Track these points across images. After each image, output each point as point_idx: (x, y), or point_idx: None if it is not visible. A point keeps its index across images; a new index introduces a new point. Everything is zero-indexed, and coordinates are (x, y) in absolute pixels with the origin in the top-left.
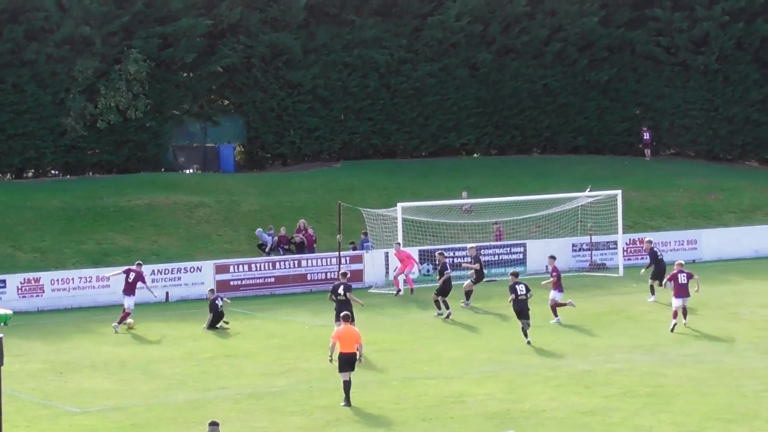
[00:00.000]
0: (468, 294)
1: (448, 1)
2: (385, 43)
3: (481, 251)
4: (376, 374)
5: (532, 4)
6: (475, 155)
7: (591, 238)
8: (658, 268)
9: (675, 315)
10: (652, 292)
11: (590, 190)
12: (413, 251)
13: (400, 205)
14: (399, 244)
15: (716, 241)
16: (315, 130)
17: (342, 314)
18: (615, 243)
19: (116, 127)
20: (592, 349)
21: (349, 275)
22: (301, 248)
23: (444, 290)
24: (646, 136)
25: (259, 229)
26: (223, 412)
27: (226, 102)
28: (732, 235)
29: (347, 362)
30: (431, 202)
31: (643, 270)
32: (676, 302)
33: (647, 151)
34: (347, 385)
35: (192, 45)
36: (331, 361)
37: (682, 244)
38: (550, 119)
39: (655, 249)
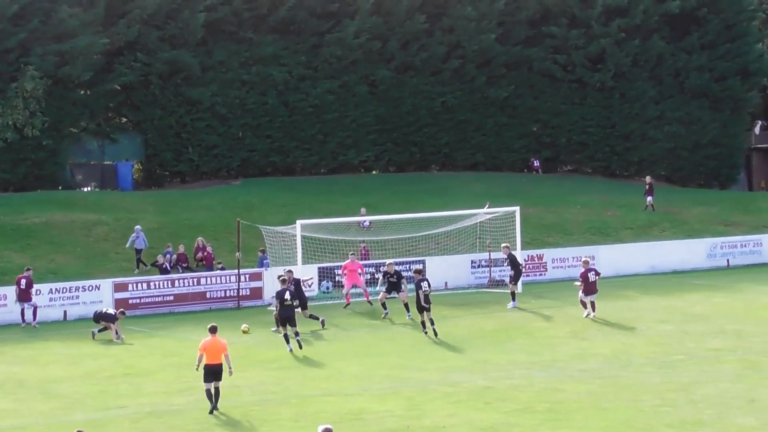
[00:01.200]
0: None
1: (347, 18)
2: (283, 60)
3: (380, 268)
4: (275, 392)
5: (431, 22)
6: (374, 172)
7: (490, 255)
8: (517, 273)
9: (584, 306)
10: (513, 298)
11: (489, 207)
12: (312, 268)
13: (299, 222)
14: (353, 254)
15: (613, 257)
16: (213, 147)
17: (209, 326)
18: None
19: (13, 144)
20: (491, 365)
21: (285, 279)
22: (210, 265)
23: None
24: (536, 163)
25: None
26: (123, 431)
27: (124, 119)
28: (628, 251)
29: (211, 373)
30: (330, 220)
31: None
32: (586, 298)
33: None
34: (208, 393)
35: (89, 63)
36: (197, 369)
37: (580, 260)
38: (448, 136)
39: (513, 254)
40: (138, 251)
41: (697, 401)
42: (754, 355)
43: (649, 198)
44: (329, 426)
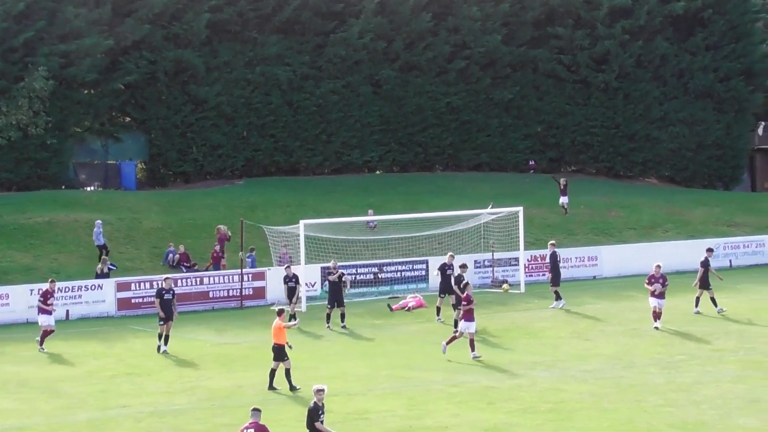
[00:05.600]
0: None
1: (351, 18)
2: (287, 60)
3: (383, 268)
4: (279, 392)
5: (436, 21)
6: (378, 172)
7: (493, 255)
8: (556, 274)
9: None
10: (558, 297)
11: (492, 207)
12: (315, 268)
13: (302, 222)
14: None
15: (616, 258)
16: (218, 147)
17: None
18: (517, 260)
19: (16, 144)
20: (494, 366)
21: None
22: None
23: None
24: (531, 163)
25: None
26: (125, 430)
27: (128, 119)
28: (632, 252)
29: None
30: (334, 219)
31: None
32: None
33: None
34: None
35: (94, 64)
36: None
37: (583, 261)
38: (453, 136)
39: (556, 252)
40: (100, 248)
41: (700, 402)
42: (756, 356)
43: (563, 199)
44: (322, 387)
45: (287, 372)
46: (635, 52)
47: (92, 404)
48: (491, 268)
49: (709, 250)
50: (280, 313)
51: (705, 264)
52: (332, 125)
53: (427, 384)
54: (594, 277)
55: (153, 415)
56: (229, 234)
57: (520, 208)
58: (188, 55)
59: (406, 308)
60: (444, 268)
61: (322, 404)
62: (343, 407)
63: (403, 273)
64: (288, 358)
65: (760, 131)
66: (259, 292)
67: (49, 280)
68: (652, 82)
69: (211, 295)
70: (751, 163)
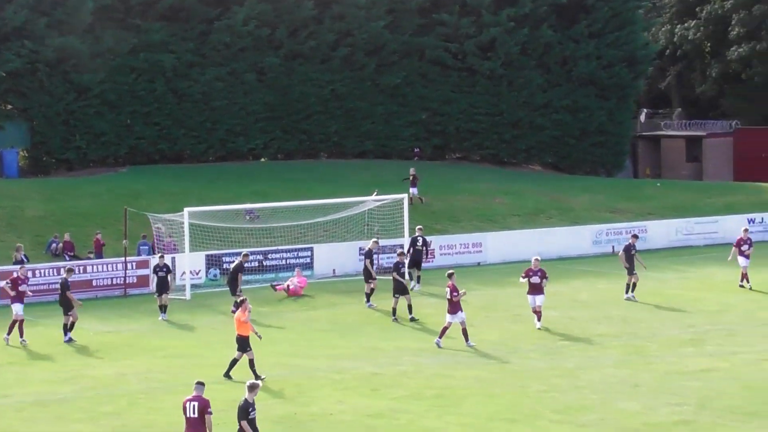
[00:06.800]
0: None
1: (235, 5)
2: (172, 46)
3: (268, 255)
4: (162, 380)
5: (320, 9)
6: (263, 160)
7: (378, 242)
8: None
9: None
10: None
11: (377, 195)
12: (200, 256)
13: (186, 209)
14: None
15: (501, 244)
16: (102, 135)
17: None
18: (402, 246)
19: None
20: (379, 352)
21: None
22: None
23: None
24: (416, 149)
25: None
26: (6, 420)
27: (10, 107)
28: (516, 238)
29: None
30: (218, 207)
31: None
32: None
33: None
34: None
35: None
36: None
37: (468, 247)
38: (338, 124)
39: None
40: None
41: (582, 387)
42: (638, 341)
43: (413, 190)
44: (257, 383)
45: (251, 363)
46: (521, 40)
47: None
48: (376, 255)
49: (635, 236)
50: (241, 303)
51: (628, 249)
52: (217, 113)
53: (311, 371)
54: (479, 263)
55: (36, 405)
56: (103, 243)
57: (405, 195)
58: (71, 42)
59: (287, 289)
60: (369, 254)
61: (253, 401)
62: (227, 395)
63: (288, 260)
64: (251, 349)
65: (642, 118)
66: (143, 281)
67: (19, 266)
68: (537, 70)
69: (94, 283)
70: (634, 150)
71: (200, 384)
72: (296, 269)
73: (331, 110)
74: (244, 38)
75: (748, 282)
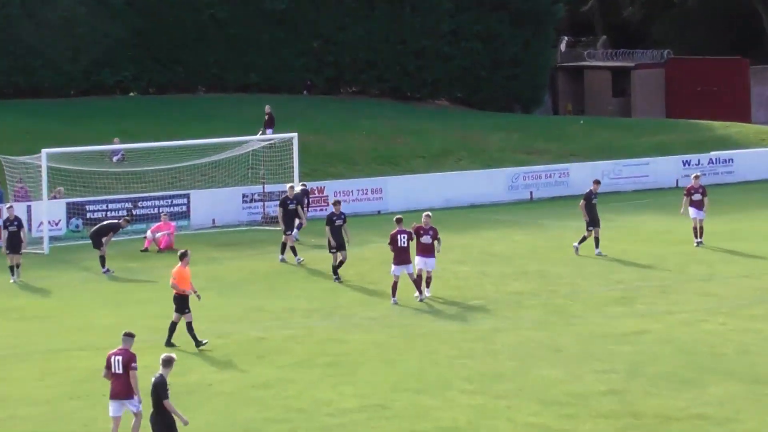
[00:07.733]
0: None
1: None
2: None
3: (138, 203)
4: (17, 346)
5: None
6: (132, 94)
7: (264, 188)
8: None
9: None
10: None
11: (262, 134)
12: (60, 204)
13: (44, 151)
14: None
15: (403, 190)
16: None
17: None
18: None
19: None
20: (265, 314)
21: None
22: None
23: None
24: (308, 82)
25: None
26: None
27: None
28: (420, 183)
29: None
30: (81, 148)
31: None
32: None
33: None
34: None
35: None
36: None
37: (366, 194)
38: (217, 53)
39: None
40: None
41: (498, 351)
42: (559, 299)
43: (269, 131)
44: (173, 356)
45: (188, 326)
46: None
47: None
48: (262, 203)
49: (596, 182)
50: (183, 256)
51: (589, 197)
52: (79, 40)
53: (188, 335)
54: (379, 212)
55: None
56: None
57: (295, 135)
58: None
59: (158, 242)
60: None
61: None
62: (90, 363)
63: (161, 209)
64: (189, 311)
65: (562, 47)
66: None
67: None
68: None
69: None
70: (553, 83)
71: (128, 335)
72: (162, 215)
73: (209, 38)
74: None
75: (700, 237)
